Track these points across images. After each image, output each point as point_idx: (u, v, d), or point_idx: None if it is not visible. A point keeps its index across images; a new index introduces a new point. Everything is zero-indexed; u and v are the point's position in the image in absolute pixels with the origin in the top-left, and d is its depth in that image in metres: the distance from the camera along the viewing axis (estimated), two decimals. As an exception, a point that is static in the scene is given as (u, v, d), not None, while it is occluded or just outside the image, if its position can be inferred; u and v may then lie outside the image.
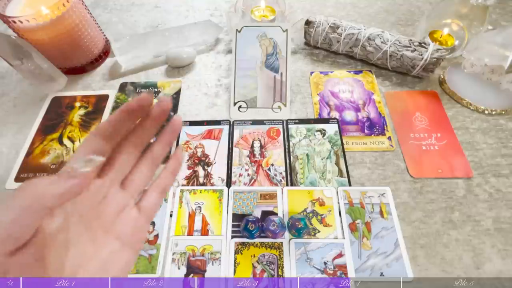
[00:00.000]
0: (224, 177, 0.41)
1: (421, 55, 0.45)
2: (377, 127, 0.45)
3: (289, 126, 0.45)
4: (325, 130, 0.44)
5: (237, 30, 0.49)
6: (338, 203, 0.38)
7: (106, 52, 0.56)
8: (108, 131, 0.20)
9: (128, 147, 0.22)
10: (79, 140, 0.45)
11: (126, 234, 0.21)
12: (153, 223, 0.37)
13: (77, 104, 0.50)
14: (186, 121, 0.47)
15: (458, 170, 0.40)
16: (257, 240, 0.35)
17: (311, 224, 0.36)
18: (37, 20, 0.43)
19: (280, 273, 0.33)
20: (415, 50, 0.46)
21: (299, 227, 0.34)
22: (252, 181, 0.40)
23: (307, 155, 0.42)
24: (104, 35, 0.57)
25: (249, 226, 0.35)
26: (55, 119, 0.48)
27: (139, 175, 0.22)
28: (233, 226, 0.37)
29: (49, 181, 0.16)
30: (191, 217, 0.37)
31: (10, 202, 0.15)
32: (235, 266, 0.34)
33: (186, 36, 0.55)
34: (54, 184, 0.16)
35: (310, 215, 0.37)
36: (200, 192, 0.39)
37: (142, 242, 0.22)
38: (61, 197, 0.16)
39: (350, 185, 0.39)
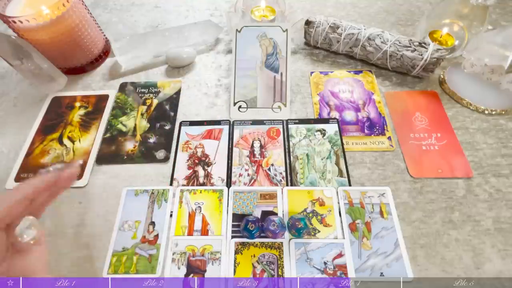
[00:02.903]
0: (224, 177, 0.41)
1: (421, 55, 0.45)
2: (377, 127, 0.45)
3: (289, 126, 0.45)
4: (325, 130, 0.44)
5: (237, 30, 0.49)
6: (338, 203, 0.38)
7: (106, 52, 0.56)
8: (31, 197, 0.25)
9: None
10: (79, 140, 0.45)
11: None
12: (153, 223, 0.37)
13: (77, 104, 0.50)
14: (186, 121, 0.47)
15: (458, 170, 0.40)
16: (257, 240, 0.35)
17: (311, 224, 0.36)
18: (37, 20, 0.43)
19: (280, 273, 0.33)
20: (415, 50, 0.46)
21: (299, 227, 0.34)
22: (252, 181, 0.40)
23: (307, 155, 0.42)
24: (104, 35, 0.57)
25: (249, 226, 0.35)
26: (55, 119, 0.48)
27: None
28: (233, 226, 0.37)
29: None
30: (191, 217, 0.37)
31: None
32: (235, 266, 0.34)
33: (186, 36, 0.55)
34: None
35: (310, 215, 0.37)
36: (200, 192, 0.39)
37: None
38: None
39: (350, 185, 0.39)
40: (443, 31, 0.51)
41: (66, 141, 0.46)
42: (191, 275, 0.34)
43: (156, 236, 0.36)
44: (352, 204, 0.38)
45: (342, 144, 0.43)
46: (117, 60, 0.53)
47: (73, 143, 0.45)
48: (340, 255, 0.34)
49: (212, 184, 0.40)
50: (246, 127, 0.45)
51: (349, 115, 0.46)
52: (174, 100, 0.49)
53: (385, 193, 0.38)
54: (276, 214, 0.37)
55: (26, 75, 0.47)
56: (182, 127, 0.46)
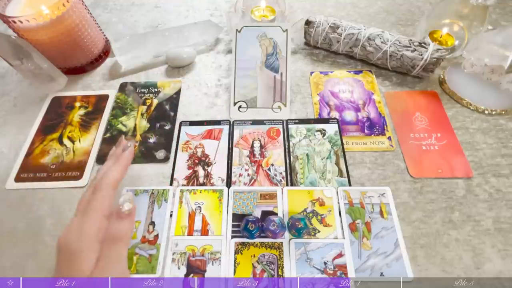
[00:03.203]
0: (224, 177, 0.41)
1: (421, 55, 0.45)
2: (377, 127, 0.45)
3: (289, 126, 0.45)
4: (325, 130, 0.44)
5: (237, 30, 0.49)
6: (338, 203, 0.38)
7: (106, 52, 0.56)
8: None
9: None
10: (79, 140, 0.45)
11: None
12: (153, 223, 0.37)
13: (77, 104, 0.50)
14: (186, 121, 0.47)
15: (458, 170, 0.40)
16: (257, 240, 0.35)
17: (311, 224, 0.36)
18: (37, 20, 0.43)
19: (280, 273, 0.33)
20: (415, 50, 0.46)
21: (299, 227, 0.34)
22: (252, 181, 0.40)
23: (307, 155, 0.42)
24: (104, 35, 0.57)
25: (249, 226, 0.35)
26: (55, 119, 0.48)
27: None
28: (233, 226, 0.37)
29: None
30: (191, 217, 0.37)
31: None
32: (235, 266, 0.34)
33: (186, 36, 0.55)
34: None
35: (310, 215, 0.37)
36: (200, 192, 0.39)
37: None
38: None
39: (350, 185, 0.39)
40: (443, 31, 0.51)
41: (66, 141, 0.46)
42: (191, 275, 0.34)
43: (156, 236, 0.36)
44: (352, 204, 0.38)
45: (342, 144, 0.43)
46: (117, 60, 0.53)
47: (73, 143, 0.45)
48: (340, 255, 0.34)
49: (212, 184, 0.40)
50: (246, 127, 0.45)
51: (349, 115, 0.46)
52: (174, 100, 0.49)
53: (385, 193, 0.38)
54: (276, 214, 0.37)
55: (26, 75, 0.47)
56: (182, 127, 0.46)
